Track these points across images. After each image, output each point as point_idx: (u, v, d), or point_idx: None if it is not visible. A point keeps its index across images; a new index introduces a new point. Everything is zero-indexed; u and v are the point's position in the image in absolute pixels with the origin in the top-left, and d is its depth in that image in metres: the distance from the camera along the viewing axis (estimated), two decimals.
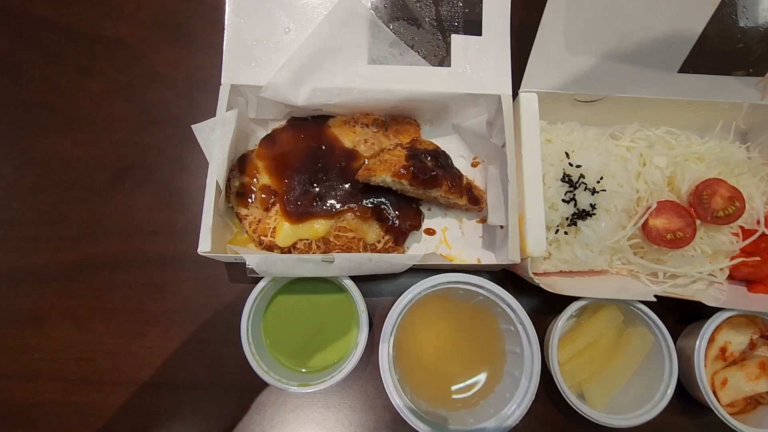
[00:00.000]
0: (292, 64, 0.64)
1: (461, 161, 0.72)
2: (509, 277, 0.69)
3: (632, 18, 0.59)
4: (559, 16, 0.58)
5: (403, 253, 0.68)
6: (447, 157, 0.67)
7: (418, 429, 0.49)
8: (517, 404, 0.50)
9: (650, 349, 0.61)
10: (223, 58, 0.64)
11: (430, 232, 0.70)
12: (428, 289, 0.53)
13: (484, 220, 0.71)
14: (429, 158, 0.63)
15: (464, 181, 0.66)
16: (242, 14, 0.64)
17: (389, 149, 0.63)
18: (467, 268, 0.66)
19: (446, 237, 0.70)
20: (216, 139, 0.61)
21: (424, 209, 0.70)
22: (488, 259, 0.68)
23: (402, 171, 0.59)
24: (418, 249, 0.69)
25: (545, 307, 0.67)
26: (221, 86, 0.63)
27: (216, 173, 0.60)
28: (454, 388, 0.57)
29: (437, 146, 0.67)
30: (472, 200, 0.66)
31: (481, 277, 0.54)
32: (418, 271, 0.67)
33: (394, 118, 0.71)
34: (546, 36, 0.60)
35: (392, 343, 0.52)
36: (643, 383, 0.61)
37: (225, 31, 0.64)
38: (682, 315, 0.66)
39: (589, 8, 0.58)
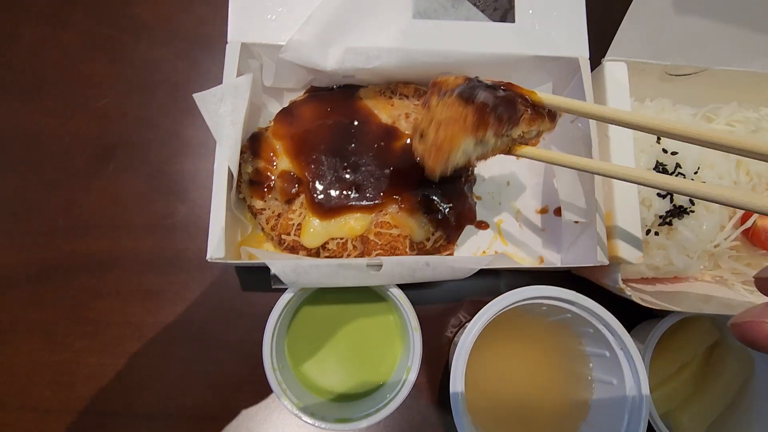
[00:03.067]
0: (320, 17, 0.50)
1: None
2: (578, 284, 0.59)
3: None
4: None
5: (454, 251, 0.56)
6: (498, 84, 0.42)
7: None
8: None
9: (751, 372, 0.52)
10: (229, 8, 0.50)
11: (483, 225, 0.59)
12: (510, 305, 0.42)
13: (546, 210, 0.59)
14: (483, 86, 0.40)
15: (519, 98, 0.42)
16: None
17: (421, 110, 0.43)
18: (538, 270, 0.55)
19: (501, 231, 0.59)
20: (226, 112, 0.47)
21: (474, 198, 0.59)
22: (553, 258, 0.57)
23: (479, 122, 0.38)
24: (469, 246, 0.58)
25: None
26: (228, 45, 0.49)
27: (227, 156, 0.46)
28: (527, 425, 0.47)
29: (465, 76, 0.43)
30: (551, 116, 0.43)
31: (574, 292, 0.42)
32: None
33: None
34: None
35: (463, 375, 0.41)
36: (742, 415, 0.52)
37: None
38: None
39: None
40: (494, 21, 0.53)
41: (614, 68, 0.52)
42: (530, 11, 0.53)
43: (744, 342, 0.27)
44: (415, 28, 0.52)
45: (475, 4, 0.53)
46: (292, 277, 0.44)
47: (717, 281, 0.57)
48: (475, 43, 0.53)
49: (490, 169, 0.60)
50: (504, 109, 0.39)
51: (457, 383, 0.40)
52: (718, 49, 0.52)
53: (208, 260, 0.45)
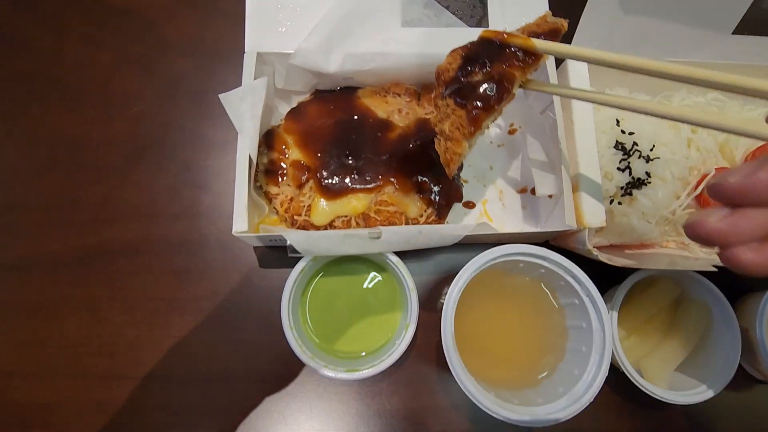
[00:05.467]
0: (323, 28, 0.59)
1: (496, 130, 0.69)
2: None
3: None
4: None
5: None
6: (488, 43, 0.47)
7: (491, 411, 0.45)
8: (590, 381, 0.47)
9: (710, 323, 0.59)
10: (246, 24, 0.59)
11: (470, 205, 0.66)
12: (489, 261, 0.49)
13: (524, 190, 0.67)
14: (470, 70, 0.47)
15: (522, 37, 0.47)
16: None
17: (441, 116, 0.50)
18: (514, 239, 0.62)
19: (486, 210, 0.66)
20: (246, 108, 0.56)
21: (461, 181, 0.67)
22: (529, 229, 0.64)
23: (474, 124, 0.46)
24: (459, 223, 0.66)
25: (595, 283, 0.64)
26: (246, 54, 0.58)
27: (248, 146, 0.55)
28: (513, 368, 0.54)
29: (469, 45, 0.49)
30: (551, 39, 0.47)
31: (545, 249, 0.50)
32: (460, 247, 0.64)
33: (427, 87, 0.67)
34: None
35: (453, 323, 0.48)
36: (703, 359, 0.58)
37: None
38: (733, 288, 0.64)
39: None
40: (471, 26, 0.62)
41: (576, 63, 0.61)
42: (501, 16, 0.62)
43: (692, 238, 0.31)
44: (404, 35, 0.61)
45: (454, 13, 0.62)
46: (305, 246, 0.52)
47: (680, 247, 0.64)
48: (455, 46, 0.61)
49: (475, 156, 0.68)
50: (494, 95, 0.46)
51: (447, 324, 0.47)
52: (665, 43, 0.61)
53: (234, 234, 0.53)
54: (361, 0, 0.60)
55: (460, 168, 0.67)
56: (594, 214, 0.55)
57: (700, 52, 0.62)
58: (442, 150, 0.49)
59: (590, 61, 0.45)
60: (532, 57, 0.46)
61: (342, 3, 0.60)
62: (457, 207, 0.66)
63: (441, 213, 0.61)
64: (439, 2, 0.61)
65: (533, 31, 0.48)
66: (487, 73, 0.46)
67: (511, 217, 0.66)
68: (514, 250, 0.50)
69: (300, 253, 0.53)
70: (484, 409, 0.45)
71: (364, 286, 0.60)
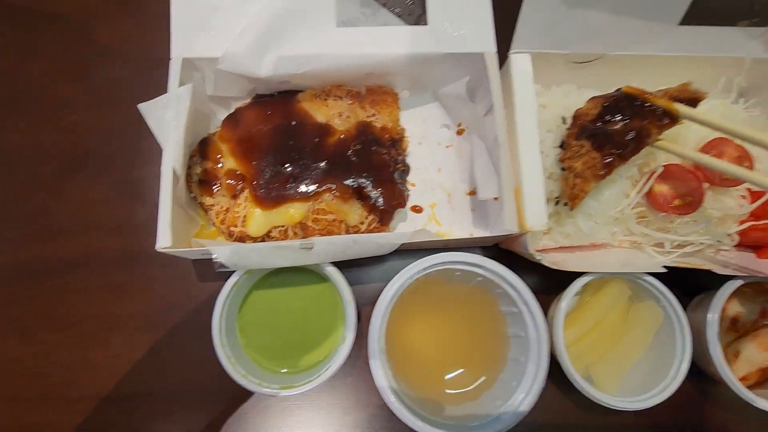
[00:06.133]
0: (252, 30, 0.57)
1: (445, 131, 0.67)
2: (504, 256, 0.64)
3: None
4: None
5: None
6: (631, 98, 0.53)
7: (413, 427, 0.44)
8: (526, 391, 0.45)
9: (661, 324, 0.57)
10: (172, 28, 0.56)
11: (417, 209, 0.64)
12: (422, 271, 0.47)
13: (473, 192, 0.65)
14: (610, 119, 0.52)
15: (663, 99, 0.52)
16: None
17: (572, 154, 0.54)
18: (460, 244, 0.61)
19: (435, 213, 0.64)
20: (169, 119, 0.53)
21: (409, 185, 0.64)
22: (482, 234, 0.62)
23: (605, 167, 0.51)
24: (405, 228, 0.64)
25: (545, 286, 0.61)
26: (171, 60, 0.56)
27: (172, 158, 0.53)
28: (453, 380, 0.52)
29: (611, 97, 0.54)
30: (693, 101, 0.53)
31: (480, 256, 0.48)
32: (409, 253, 0.62)
33: (370, 89, 0.64)
34: None
35: (383, 335, 0.46)
36: (655, 361, 0.57)
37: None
38: (685, 287, 0.62)
39: None
40: (410, 24, 0.59)
41: (519, 60, 0.58)
42: (441, 13, 0.59)
43: None
44: (340, 36, 0.59)
45: (391, 11, 0.59)
46: (233, 260, 0.50)
47: (634, 246, 0.62)
48: (394, 46, 0.59)
49: (424, 158, 0.66)
50: (631, 146, 0.51)
51: (373, 338, 0.45)
52: (610, 37, 0.58)
53: (157, 250, 0.51)
54: (293, 0, 0.57)
55: (407, 171, 0.65)
56: (536, 217, 0.53)
57: (649, 45, 0.60)
58: (570, 185, 0.53)
59: (731, 135, 0.49)
60: (668, 118, 0.51)
61: (272, 3, 0.57)
62: (404, 211, 0.64)
63: (383, 219, 0.59)
64: (376, 0, 0.59)
65: (674, 96, 0.53)
66: (626, 125, 0.52)
67: (460, 221, 0.64)
68: (447, 259, 0.48)
69: (229, 268, 0.51)
70: (410, 425, 0.44)
71: (305, 297, 0.58)
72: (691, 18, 0.57)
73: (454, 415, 0.48)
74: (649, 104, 0.52)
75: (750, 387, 0.59)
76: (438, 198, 0.65)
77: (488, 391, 0.50)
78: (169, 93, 0.54)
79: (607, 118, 0.53)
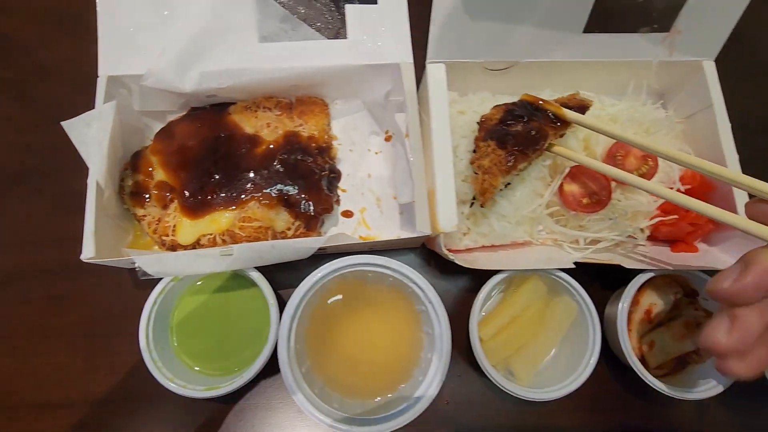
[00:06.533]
0: (175, 47, 0.59)
1: (375, 138, 0.70)
2: (433, 257, 0.67)
3: None
4: None
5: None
6: (528, 103, 0.59)
7: (320, 421, 0.46)
8: (427, 386, 0.48)
9: (575, 318, 0.60)
10: (99, 46, 0.59)
11: (348, 214, 0.67)
12: (330, 274, 0.50)
13: None
14: (511, 121, 0.57)
15: (556, 105, 0.58)
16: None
17: (481, 154, 0.57)
18: (385, 246, 0.63)
19: (364, 218, 0.67)
20: (92, 135, 0.56)
21: (339, 190, 0.67)
22: (406, 236, 0.65)
23: (509, 162, 0.55)
24: (337, 232, 0.66)
25: (474, 284, 0.64)
26: (98, 78, 0.58)
27: (96, 173, 0.55)
28: (373, 377, 0.54)
29: (512, 104, 0.59)
30: (579, 112, 0.57)
31: (387, 257, 0.51)
32: (340, 256, 0.64)
33: (299, 99, 0.67)
34: (442, 2, 0.57)
35: (294, 336, 0.48)
36: (571, 353, 0.60)
37: (98, 19, 0.59)
38: (610, 281, 0.65)
39: None
40: (330, 38, 0.62)
41: (434, 69, 0.61)
42: (359, 27, 0.62)
43: (708, 350, 0.37)
44: (262, 50, 0.61)
45: (311, 25, 0.62)
46: (155, 268, 0.52)
47: (555, 244, 0.65)
48: (314, 59, 0.62)
49: (354, 164, 0.69)
50: (530, 143, 0.55)
51: (283, 340, 0.47)
52: (520, 45, 0.61)
53: (83, 260, 0.53)
54: (215, 17, 0.60)
55: (338, 178, 0.68)
56: (447, 219, 0.56)
57: (558, 52, 0.63)
58: (479, 181, 0.57)
59: (612, 137, 0.54)
60: (561, 122, 0.57)
61: (195, 21, 0.60)
62: (335, 216, 0.66)
63: (310, 225, 0.62)
64: (296, 16, 0.62)
65: (565, 103, 0.58)
66: (525, 126, 0.56)
67: (388, 224, 0.66)
68: (353, 262, 0.50)
69: (152, 276, 0.53)
70: (315, 420, 0.46)
71: (236, 301, 0.60)
72: (592, 27, 0.60)
73: (371, 408, 0.50)
74: (543, 109, 0.56)
75: (665, 375, 0.62)
76: (368, 202, 0.67)
77: (404, 386, 0.52)
78: (92, 110, 0.56)
79: (509, 121, 0.57)
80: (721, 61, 0.64)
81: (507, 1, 0.57)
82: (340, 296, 0.55)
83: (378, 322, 0.56)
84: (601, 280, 0.65)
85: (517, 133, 0.56)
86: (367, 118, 0.70)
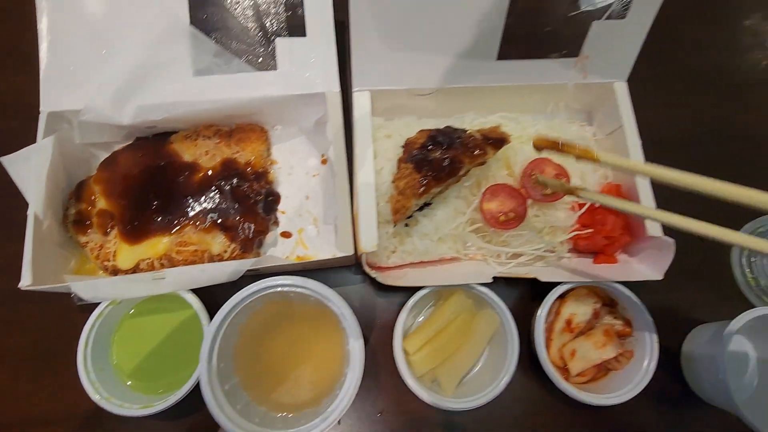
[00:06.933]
0: (111, 83, 0.63)
1: (312, 161, 0.73)
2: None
3: (437, 11, 0.60)
4: (366, 14, 0.59)
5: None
6: (452, 132, 0.62)
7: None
8: (340, 399, 0.51)
9: (496, 329, 0.63)
10: (41, 82, 0.63)
11: (287, 234, 0.70)
12: (252, 295, 0.53)
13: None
14: (431, 147, 0.60)
15: (478, 136, 0.62)
16: (57, 38, 0.63)
17: (400, 175, 0.61)
18: (318, 266, 0.66)
19: (302, 238, 0.70)
20: (32, 169, 0.59)
21: (279, 213, 0.70)
22: (340, 255, 0.68)
23: (422, 186, 0.58)
24: (274, 253, 0.69)
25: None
26: (40, 114, 0.62)
27: (35, 205, 0.58)
28: (299, 391, 0.57)
29: (436, 130, 0.63)
30: (497, 145, 0.62)
31: (300, 277, 0.54)
32: (277, 276, 0.67)
33: (239, 126, 0.71)
34: (360, 34, 0.61)
35: (216, 355, 0.52)
36: (493, 364, 0.63)
37: (40, 56, 0.62)
38: (540, 293, 0.68)
39: (393, 4, 0.59)
40: (261, 70, 0.66)
41: (360, 97, 0.65)
42: (289, 59, 0.66)
43: None
44: (196, 84, 0.65)
45: (243, 59, 0.66)
46: (90, 293, 0.55)
47: (482, 259, 0.68)
48: (247, 90, 0.65)
49: (293, 187, 0.72)
50: (445, 171, 0.58)
51: (203, 363, 0.50)
52: (441, 72, 0.65)
53: (20, 288, 0.56)
54: (150, 54, 0.64)
55: (277, 201, 0.71)
56: (368, 239, 0.59)
57: (477, 78, 0.67)
58: (393, 201, 0.60)
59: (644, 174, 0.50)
60: (479, 152, 0.60)
61: (131, 57, 0.63)
62: (274, 237, 0.70)
63: (246, 248, 0.65)
64: (229, 50, 0.65)
65: (485, 134, 0.63)
66: (443, 153, 0.59)
67: (324, 244, 0.70)
68: (269, 284, 0.53)
69: (87, 301, 0.56)
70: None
71: (175, 322, 0.63)
72: (505, 54, 0.64)
73: (291, 422, 0.53)
74: (463, 139, 0.60)
75: (587, 382, 0.65)
76: (305, 223, 0.71)
77: (326, 399, 0.55)
78: (32, 145, 0.60)
79: (430, 146, 0.60)
80: (649, 80, 0.69)
81: (419, 33, 0.61)
82: (268, 315, 0.58)
83: (305, 339, 0.59)
84: (534, 293, 0.68)
85: (435, 159, 0.59)
86: (305, 142, 0.74)
